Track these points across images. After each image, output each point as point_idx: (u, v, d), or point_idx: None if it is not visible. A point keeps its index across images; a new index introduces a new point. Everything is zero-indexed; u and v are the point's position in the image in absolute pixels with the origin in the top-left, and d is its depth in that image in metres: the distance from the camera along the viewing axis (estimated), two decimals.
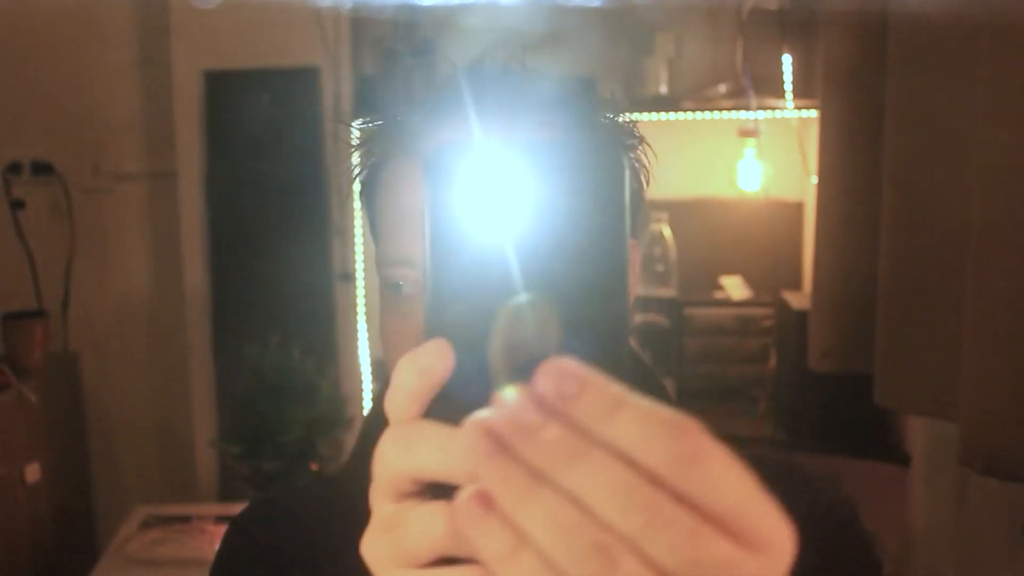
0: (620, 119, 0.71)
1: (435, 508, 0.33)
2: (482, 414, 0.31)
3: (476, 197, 0.34)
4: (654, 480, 0.30)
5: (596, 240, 0.34)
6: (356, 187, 0.75)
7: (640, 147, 0.72)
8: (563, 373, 0.30)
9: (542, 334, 0.33)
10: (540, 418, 0.30)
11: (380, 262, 0.70)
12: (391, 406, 0.34)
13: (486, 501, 0.31)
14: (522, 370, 0.32)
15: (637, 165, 0.72)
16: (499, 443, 0.31)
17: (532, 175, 0.34)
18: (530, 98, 0.67)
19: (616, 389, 0.30)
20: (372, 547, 0.35)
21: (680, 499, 0.30)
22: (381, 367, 2.48)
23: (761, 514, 0.31)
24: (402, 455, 0.34)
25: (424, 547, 0.33)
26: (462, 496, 0.31)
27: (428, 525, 0.33)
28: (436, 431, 0.33)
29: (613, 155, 0.35)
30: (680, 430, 0.30)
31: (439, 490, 0.34)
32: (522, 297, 0.33)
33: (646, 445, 0.30)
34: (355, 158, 0.73)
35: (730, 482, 0.31)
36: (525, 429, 0.30)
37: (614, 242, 0.34)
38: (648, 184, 0.74)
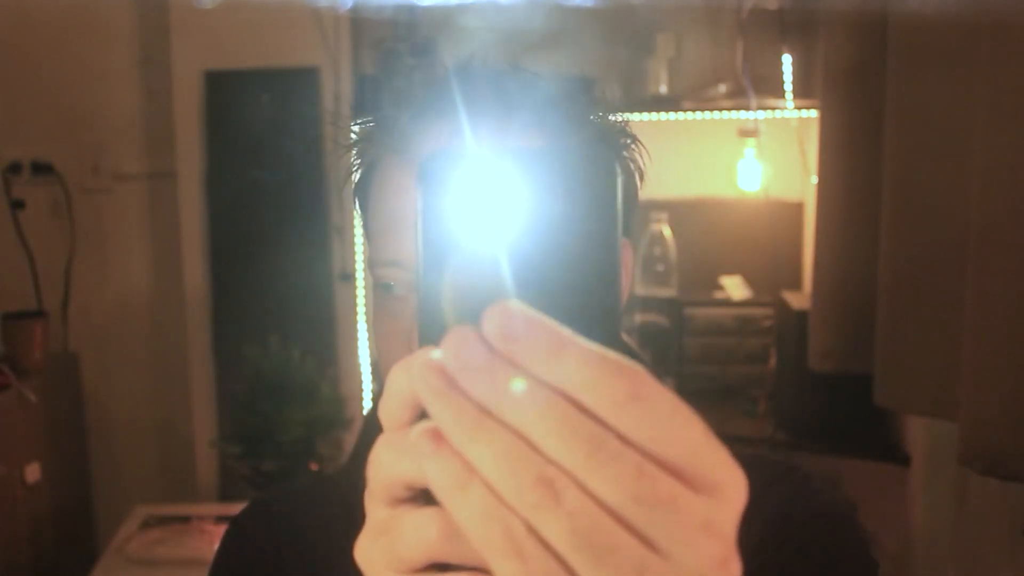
0: (612, 118, 0.71)
1: (428, 514, 0.34)
2: (433, 353, 0.32)
3: (468, 203, 0.34)
4: (598, 419, 0.31)
5: (588, 245, 0.34)
6: (351, 188, 0.75)
7: (633, 146, 0.72)
8: (509, 315, 0.31)
9: (492, 280, 0.33)
10: (487, 357, 0.31)
11: (371, 263, 0.70)
12: (385, 412, 0.35)
13: (437, 436, 0.32)
14: (473, 314, 0.32)
15: (631, 164, 0.72)
16: (448, 380, 0.32)
17: (524, 182, 0.34)
18: (521, 97, 0.66)
19: (562, 332, 0.31)
20: (366, 551, 0.36)
21: (625, 439, 0.31)
22: (379, 367, 2.47)
23: (709, 457, 0.32)
24: (396, 461, 0.34)
25: (417, 553, 0.34)
26: (414, 431, 0.33)
27: (421, 531, 0.34)
28: None
29: (606, 161, 0.35)
30: (624, 373, 0.31)
31: (431, 496, 0.34)
32: (475, 247, 0.34)
33: (590, 385, 0.31)
34: (348, 159, 0.73)
35: (675, 425, 0.31)
36: (473, 367, 0.31)
37: (606, 247, 0.35)
38: (642, 183, 0.73)
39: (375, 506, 0.36)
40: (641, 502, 0.30)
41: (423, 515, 0.34)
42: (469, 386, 0.32)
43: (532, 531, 0.31)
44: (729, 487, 0.32)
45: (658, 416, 0.31)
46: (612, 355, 0.31)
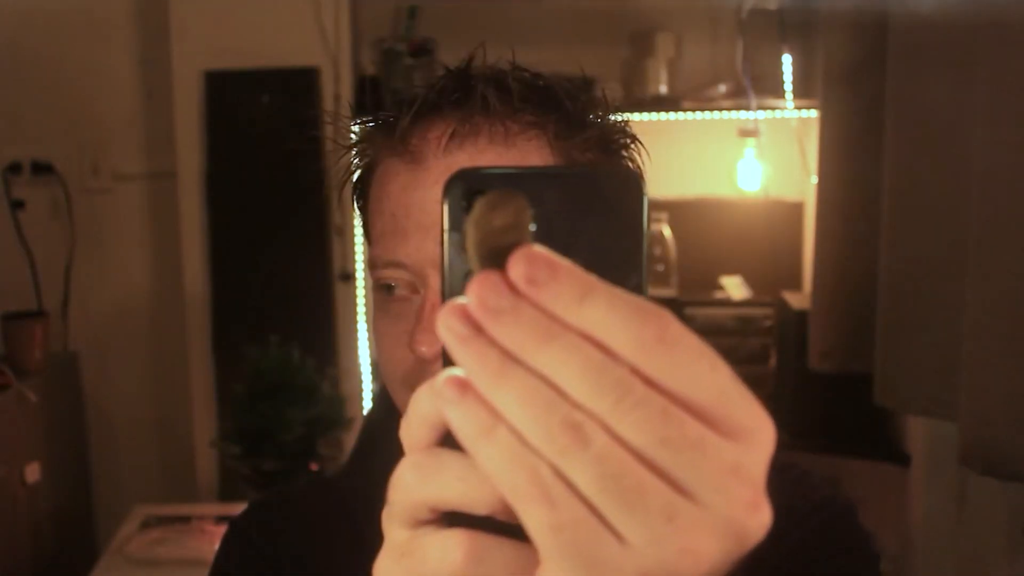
0: (613, 118, 0.71)
1: (453, 536, 0.33)
2: (458, 299, 0.32)
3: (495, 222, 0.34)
4: (625, 363, 0.31)
5: (615, 267, 0.34)
6: (350, 188, 0.75)
7: (633, 145, 0.72)
8: (534, 259, 0.31)
9: (516, 223, 0.33)
10: (512, 302, 0.31)
11: (372, 264, 0.70)
12: (407, 433, 0.35)
13: (461, 384, 0.32)
14: (497, 257, 0.32)
15: (630, 163, 0.72)
16: (473, 326, 0.31)
17: (550, 203, 0.34)
18: (521, 97, 0.66)
19: (588, 277, 0.31)
20: (387, 572, 0.36)
21: (651, 383, 0.31)
22: (380, 367, 2.47)
23: (737, 402, 0.31)
24: (422, 484, 0.34)
25: (442, 575, 0.34)
26: (439, 379, 0.32)
27: (448, 554, 0.33)
28: (455, 460, 0.33)
29: (635, 182, 0.35)
30: (651, 316, 0.31)
31: (453, 517, 0.34)
32: (496, 191, 0.34)
33: (616, 329, 0.31)
34: (348, 159, 0.73)
35: (702, 369, 0.31)
36: (498, 313, 0.31)
37: (632, 268, 0.35)
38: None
39: (395, 526, 0.35)
40: (668, 445, 0.30)
41: (449, 538, 0.33)
42: (494, 331, 0.31)
43: (560, 476, 0.30)
44: (758, 432, 0.32)
45: (685, 359, 0.31)
46: (638, 299, 0.31)
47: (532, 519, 0.31)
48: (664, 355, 0.31)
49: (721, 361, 0.31)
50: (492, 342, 0.31)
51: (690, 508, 0.30)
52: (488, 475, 0.32)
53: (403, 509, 0.35)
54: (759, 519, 0.31)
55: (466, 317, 0.32)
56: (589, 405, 0.30)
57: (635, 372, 0.31)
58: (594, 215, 0.35)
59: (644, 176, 0.73)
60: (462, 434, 0.32)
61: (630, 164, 0.72)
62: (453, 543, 0.33)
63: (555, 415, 0.30)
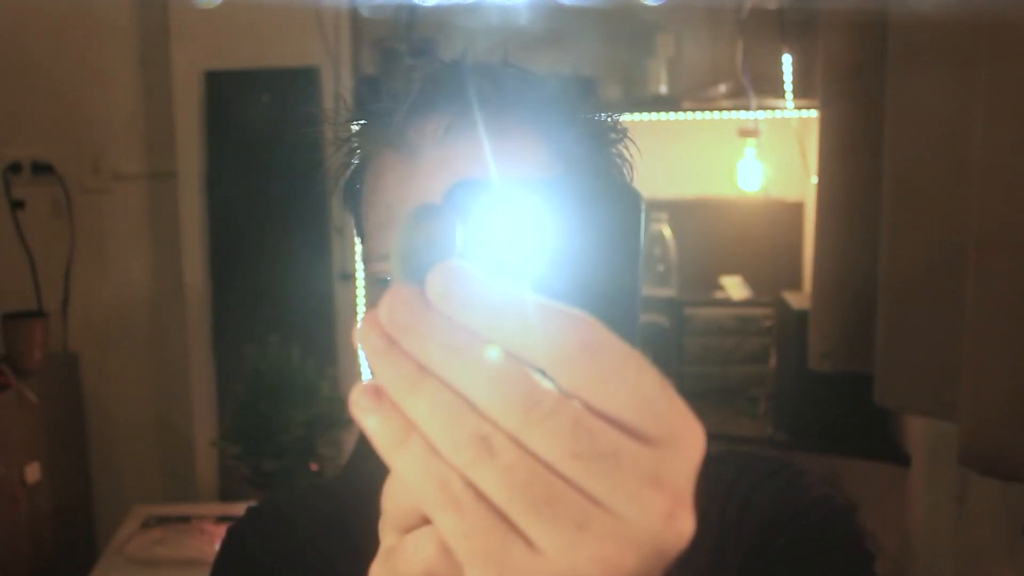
0: (603, 115, 0.71)
1: (426, 531, 0.34)
2: (376, 310, 0.33)
3: (491, 234, 0.35)
4: (541, 373, 0.31)
5: (610, 277, 0.35)
6: (342, 185, 0.75)
7: (623, 142, 0.72)
8: (452, 274, 0.32)
9: (438, 239, 0.34)
10: (420, 317, 0.32)
11: (367, 258, 0.70)
12: None
13: (377, 393, 0.32)
14: (418, 271, 0.33)
15: (620, 160, 0.72)
16: (388, 338, 0.32)
17: (549, 215, 0.35)
18: (515, 92, 0.67)
19: (508, 289, 0.31)
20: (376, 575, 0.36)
21: (568, 393, 0.31)
22: None
23: (661, 409, 0.31)
24: (410, 491, 0.34)
25: (417, 570, 0.34)
26: (355, 388, 0.33)
27: (420, 548, 0.34)
28: None
29: (631, 194, 0.35)
30: (570, 326, 0.31)
31: None
32: (420, 205, 0.34)
33: (532, 341, 0.31)
34: (343, 155, 0.74)
35: (624, 377, 0.31)
36: (406, 327, 0.32)
37: (628, 278, 0.35)
38: (632, 180, 0.74)
39: (388, 533, 0.36)
40: (578, 458, 0.30)
41: (422, 533, 0.34)
42: (405, 344, 0.32)
43: (469, 485, 0.31)
44: (682, 438, 0.31)
45: (605, 368, 0.31)
46: (560, 308, 0.31)
47: (443, 525, 0.31)
48: (584, 364, 0.31)
49: (647, 368, 0.31)
50: (406, 353, 0.32)
51: (602, 516, 0.30)
52: (402, 482, 0.32)
53: (395, 517, 0.35)
54: (677, 529, 0.31)
55: (381, 329, 0.32)
56: (497, 417, 0.31)
57: (551, 382, 0.31)
58: (590, 225, 0.35)
59: (639, 191, 0.73)
60: (377, 443, 0.32)
61: (620, 160, 0.72)
62: (426, 538, 0.34)
63: (464, 427, 0.31)
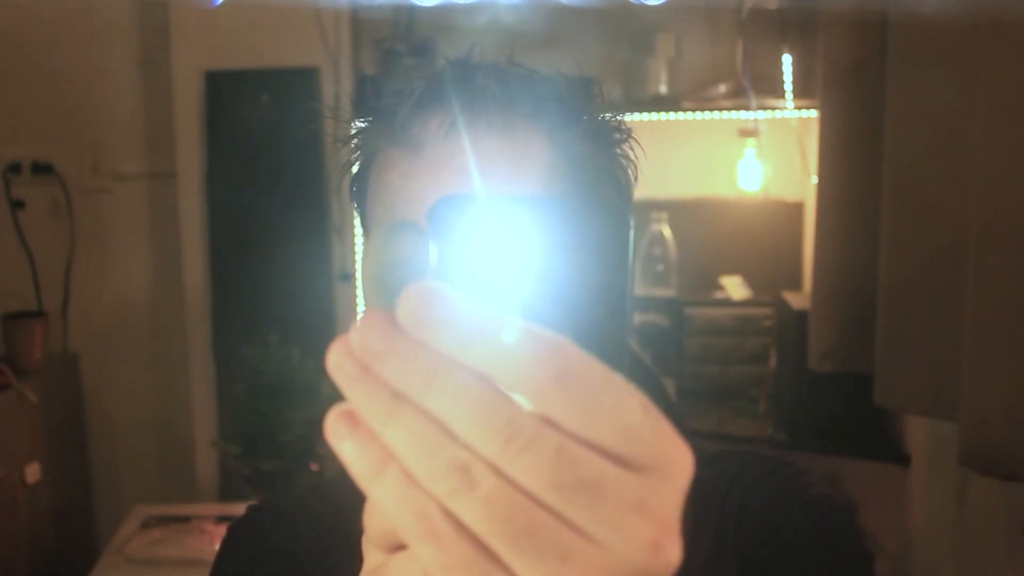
0: (607, 114, 0.71)
1: (411, 554, 0.33)
2: (347, 337, 0.31)
3: (477, 249, 0.34)
4: (522, 401, 0.30)
5: (598, 294, 0.34)
6: (347, 181, 0.75)
7: (627, 142, 0.72)
8: (426, 297, 0.30)
9: (411, 258, 0.33)
10: (394, 344, 0.31)
11: None
12: None
13: (352, 420, 0.31)
14: (389, 293, 0.32)
15: (624, 160, 0.72)
16: (361, 365, 0.31)
17: (535, 230, 0.34)
18: (517, 89, 0.67)
19: (484, 313, 0.30)
20: None
21: (548, 421, 0.30)
22: None
23: (645, 435, 0.30)
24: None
25: None
26: (331, 413, 0.32)
27: (405, 571, 0.33)
28: None
29: (619, 211, 0.35)
30: (549, 352, 0.30)
31: None
32: (392, 224, 0.33)
33: (510, 368, 0.30)
34: (347, 153, 0.73)
35: (606, 403, 0.30)
36: (380, 352, 0.31)
37: (616, 296, 0.34)
38: (636, 180, 0.74)
39: (372, 551, 0.35)
40: (560, 488, 0.29)
41: (407, 557, 0.33)
42: (380, 371, 0.31)
43: (449, 516, 0.30)
44: (669, 464, 0.30)
45: (587, 395, 0.30)
46: (539, 333, 0.30)
47: (424, 556, 0.31)
48: (564, 392, 0.30)
49: (630, 392, 0.30)
50: (382, 380, 0.31)
51: (586, 547, 0.29)
52: (380, 510, 0.32)
53: (378, 535, 0.35)
54: (663, 558, 0.30)
55: (354, 356, 0.31)
56: (477, 446, 0.30)
57: (530, 410, 0.30)
58: (578, 242, 0.34)
59: (628, 208, 0.73)
60: (353, 470, 0.32)
61: (624, 161, 0.72)
62: (411, 562, 0.33)
63: (442, 456, 0.30)
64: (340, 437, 0.32)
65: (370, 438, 0.31)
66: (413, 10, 2.63)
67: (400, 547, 0.34)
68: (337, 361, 0.32)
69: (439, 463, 0.30)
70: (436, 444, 0.30)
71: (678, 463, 0.31)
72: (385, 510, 0.31)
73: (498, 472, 0.30)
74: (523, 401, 0.30)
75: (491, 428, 0.30)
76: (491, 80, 0.67)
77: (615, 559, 0.29)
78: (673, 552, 0.30)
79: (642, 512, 0.30)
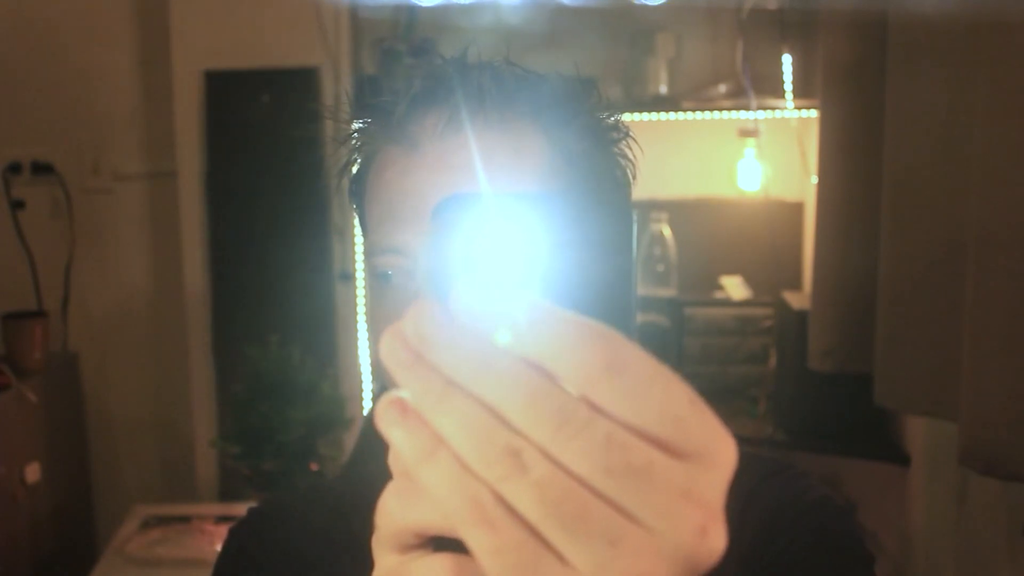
0: (605, 114, 0.71)
1: (438, 561, 0.34)
2: (400, 325, 0.32)
3: (484, 246, 0.34)
4: (572, 388, 0.31)
5: (603, 292, 0.35)
6: (347, 180, 0.75)
7: (626, 142, 0.72)
8: (474, 289, 0.32)
9: (466, 251, 0.33)
10: (448, 332, 0.31)
11: (369, 252, 0.70)
12: (394, 459, 0.35)
13: (403, 406, 0.32)
14: (447, 285, 0.32)
15: (623, 160, 0.72)
16: (414, 352, 0.32)
17: (539, 229, 0.34)
18: (514, 88, 0.67)
19: (535, 303, 0.31)
20: None
21: (598, 408, 0.30)
22: (381, 367, 2.48)
23: (691, 423, 0.31)
24: (406, 510, 0.34)
25: None
26: (381, 401, 0.33)
27: (429, 573, 0.34)
28: None
29: (623, 208, 0.35)
30: (599, 342, 0.31)
31: (442, 542, 0.34)
32: (449, 205, 0.34)
33: (562, 356, 0.31)
34: (346, 152, 0.74)
35: (654, 392, 0.31)
36: (439, 339, 0.32)
37: (622, 293, 0.35)
38: (635, 179, 0.74)
39: (384, 552, 0.36)
40: (611, 474, 0.30)
41: (433, 562, 0.34)
42: (432, 358, 0.32)
43: (501, 501, 0.31)
44: (714, 453, 0.31)
45: (635, 383, 0.31)
46: (588, 322, 0.31)
47: (473, 542, 0.31)
48: (613, 380, 0.30)
49: (677, 382, 0.31)
50: (434, 367, 0.32)
51: (635, 532, 0.30)
52: (431, 496, 0.32)
53: (389, 535, 0.35)
54: (709, 543, 0.31)
55: (407, 343, 0.32)
56: (529, 432, 0.30)
57: (581, 397, 0.31)
58: (582, 240, 0.35)
59: (631, 204, 0.73)
60: (404, 457, 0.32)
61: (622, 159, 0.73)
62: (439, 568, 0.33)
63: (494, 441, 0.31)
64: (390, 424, 0.32)
65: (420, 424, 0.32)
66: (413, 10, 2.63)
67: (412, 547, 0.35)
68: (390, 348, 0.32)
69: (491, 448, 0.31)
70: (488, 430, 0.31)
71: (723, 452, 0.31)
72: (435, 495, 0.32)
73: (549, 457, 0.30)
74: (572, 389, 0.31)
75: (543, 414, 0.30)
76: (487, 78, 0.67)
77: (663, 543, 0.30)
78: (718, 537, 0.31)
79: (689, 498, 0.30)
